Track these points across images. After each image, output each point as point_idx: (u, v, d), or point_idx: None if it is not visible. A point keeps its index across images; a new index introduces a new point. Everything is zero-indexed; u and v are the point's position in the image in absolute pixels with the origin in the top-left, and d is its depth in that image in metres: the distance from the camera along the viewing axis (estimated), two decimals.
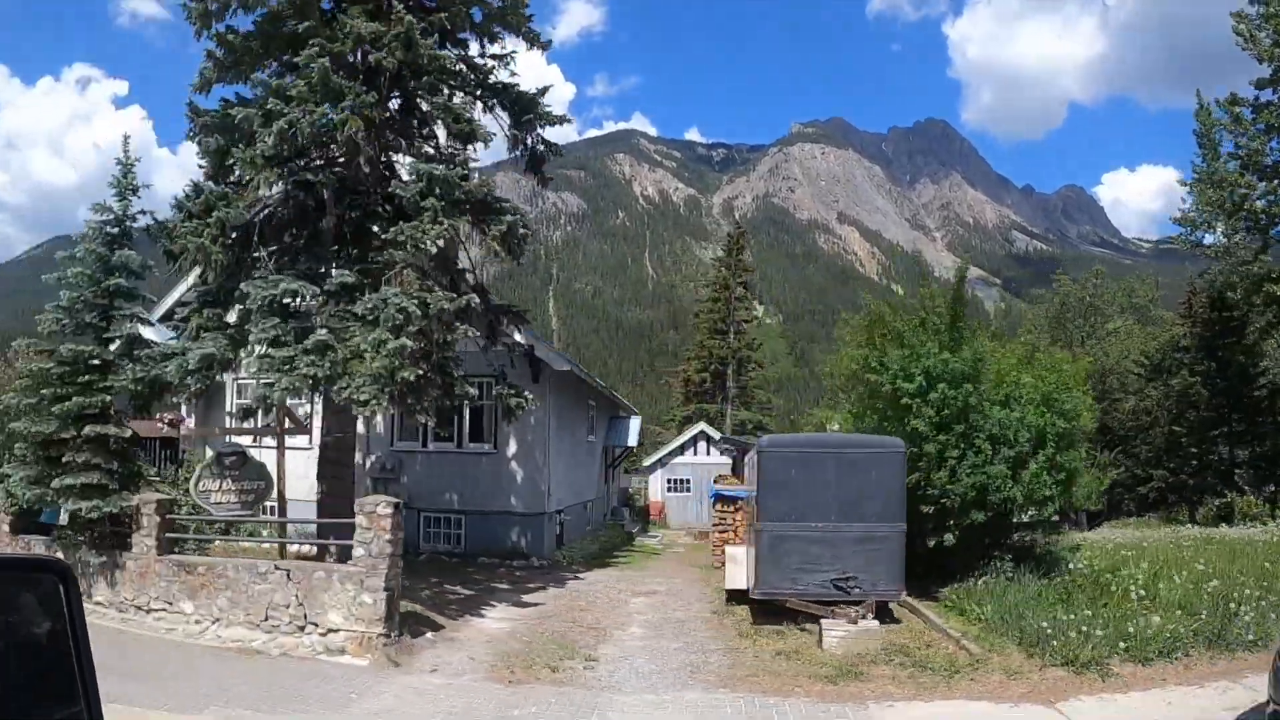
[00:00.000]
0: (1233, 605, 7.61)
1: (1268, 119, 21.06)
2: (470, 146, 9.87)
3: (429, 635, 7.83)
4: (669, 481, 28.51)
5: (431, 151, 10.56)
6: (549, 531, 14.38)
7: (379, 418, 12.83)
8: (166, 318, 13.98)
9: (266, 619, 7.85)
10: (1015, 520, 9.49)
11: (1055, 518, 10.67)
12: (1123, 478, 22.41)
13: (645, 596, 10.66)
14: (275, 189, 9.02)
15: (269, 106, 8.66)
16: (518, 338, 12.14)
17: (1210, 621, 7.38)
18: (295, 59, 10.54)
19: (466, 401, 9.90)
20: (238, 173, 9.89)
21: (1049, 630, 6.99)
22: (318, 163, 9.47)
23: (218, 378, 10.09)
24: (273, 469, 9.50)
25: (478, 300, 9.12)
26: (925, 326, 10.54)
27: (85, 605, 8.78)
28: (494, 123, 10.94)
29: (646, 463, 28.92)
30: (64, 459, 9.36)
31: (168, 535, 9.05)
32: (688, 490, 28.22)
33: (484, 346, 10.45)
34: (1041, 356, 10.79)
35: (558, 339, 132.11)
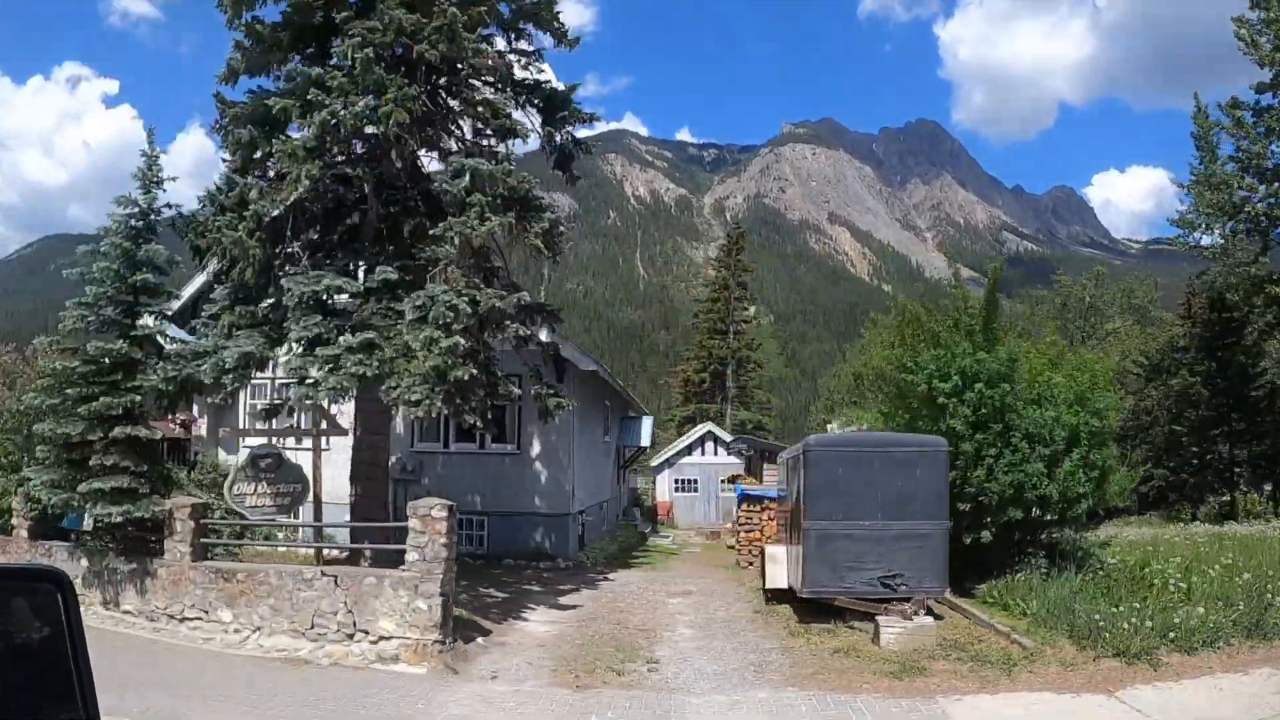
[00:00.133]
0: (1267, 596, 7.83)
1: (1268, 123, 21.48)
2: (506, 143, 9.82)
3: (479, 640, 7.77)
4: (676, 481, 28.57)
5: (459, 147, 10.52)
6: (573, 533, 14.38)
7: (398, 418, 12.78)
8: (178, 316, 13.79)
9: (312, 627, 7.68)
10: (1049, 518, 9.62)
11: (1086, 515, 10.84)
12: None
13: (681, 597, 10.69)
14: (304, 183, 8.81)
15: (309, 97, 8.51)
16: (543, 336, 12.14)
17: (1247, 612, 7.64)
18: (329, 50, 10.50)
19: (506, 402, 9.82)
20: (272, 165, 9.76)
21: (1101, 623, 7.15)
22: (358, 156, 9.33)
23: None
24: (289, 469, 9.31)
25: (528, 297, 9.07)
26: (958, 327, 10.69)
27: (113, 614, 8.56)
28: (523, 119, 10.92)
29: (654, 463, 28.95)
30: (91, 462, 9.11)
31: (202, 541, 8.83)
32: (695, 490, 28.30)
33: (516, 345, 10.43)
34: (1071, 356, 10.98)
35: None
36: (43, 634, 1.56)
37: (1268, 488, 22.66)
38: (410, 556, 7.39)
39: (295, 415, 12.15)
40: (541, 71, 11.33)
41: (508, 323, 8.71)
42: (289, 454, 9.77)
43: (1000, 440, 9.66)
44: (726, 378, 46.45)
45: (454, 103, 9.86)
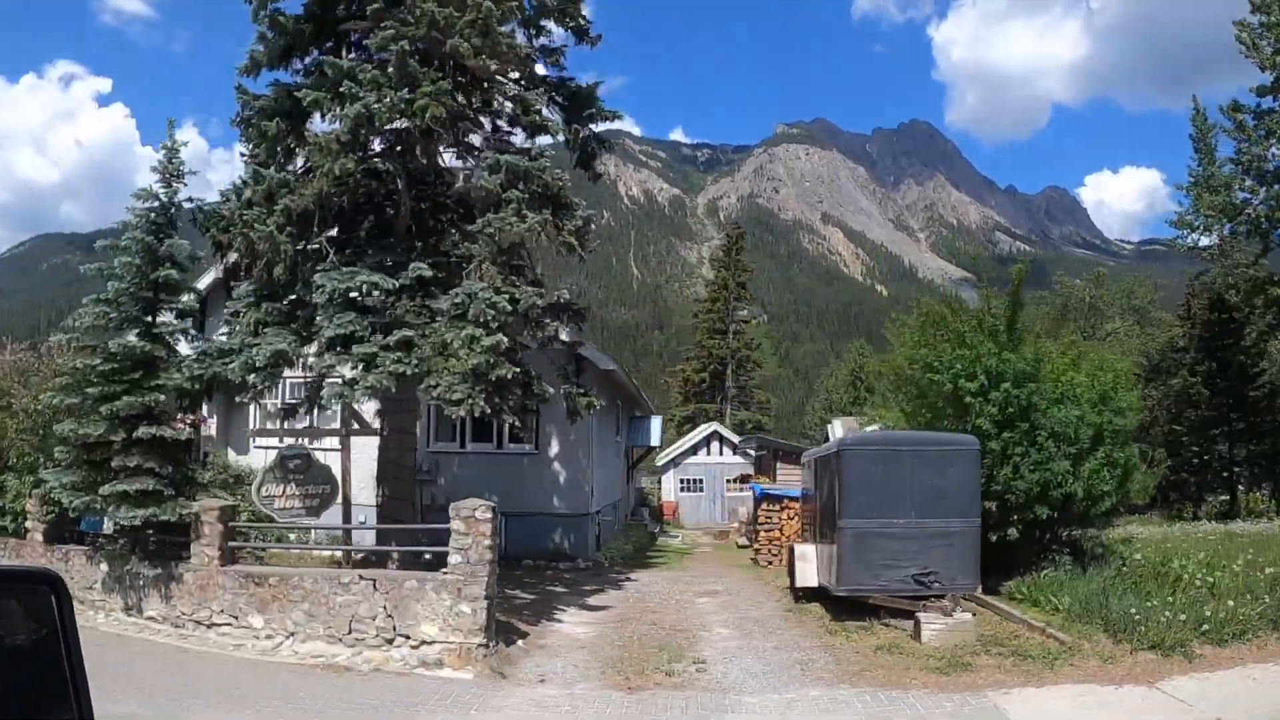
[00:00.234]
0: None
1: (1269, 125, 21.84)
2: (534, 139, 9.80)
3: (520, 643, 7.72)
4: (681, 481, 28.64)
5: (480, 143, 10.49)
6: (591, 533, 14.41)
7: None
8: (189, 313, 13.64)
9: (350, 632, 7.53)
10: (1079, 512, 9.77)
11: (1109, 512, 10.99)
12: None
13: (708, 597, 10.74)
14: (337, 176, 8.66)
15: (341, 89, 8.42)
16: (563, 336, 12.14)
17: (1272, 605, 7.85)
18: (352, 42, 10.42)
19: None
20: (296, 158, 9.65)
21: (1138, 616, 7.29)
22: (388, 150, 9.26)
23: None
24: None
25: (567, 296, 9.05)
26: (982, 327, 10.80)
27: (136, 620, 8.43)
28: (552, 115, 10.90)
29: (659, 462, 28.99)
30: (113, 463, 8.91)
31: (230, 544, 8.65)
32: (700, 490, 28.38)
33: (541, 344, 10.43)
34: (1094, 356, 11.13)
35: None
36: (37, 636, 1.55)
37: (1267, 487, 23.02)
38: (453, 559, 7.31)
39: (314, 414, 12.08)
40: (564, 68, 11.35)
41: (547, 321, 8.69)
42: (317, 454, 9.69)
43: (1026, 439, 9.78)
44: (726, 377, 46.61)
45: (485, 98, 9.79)
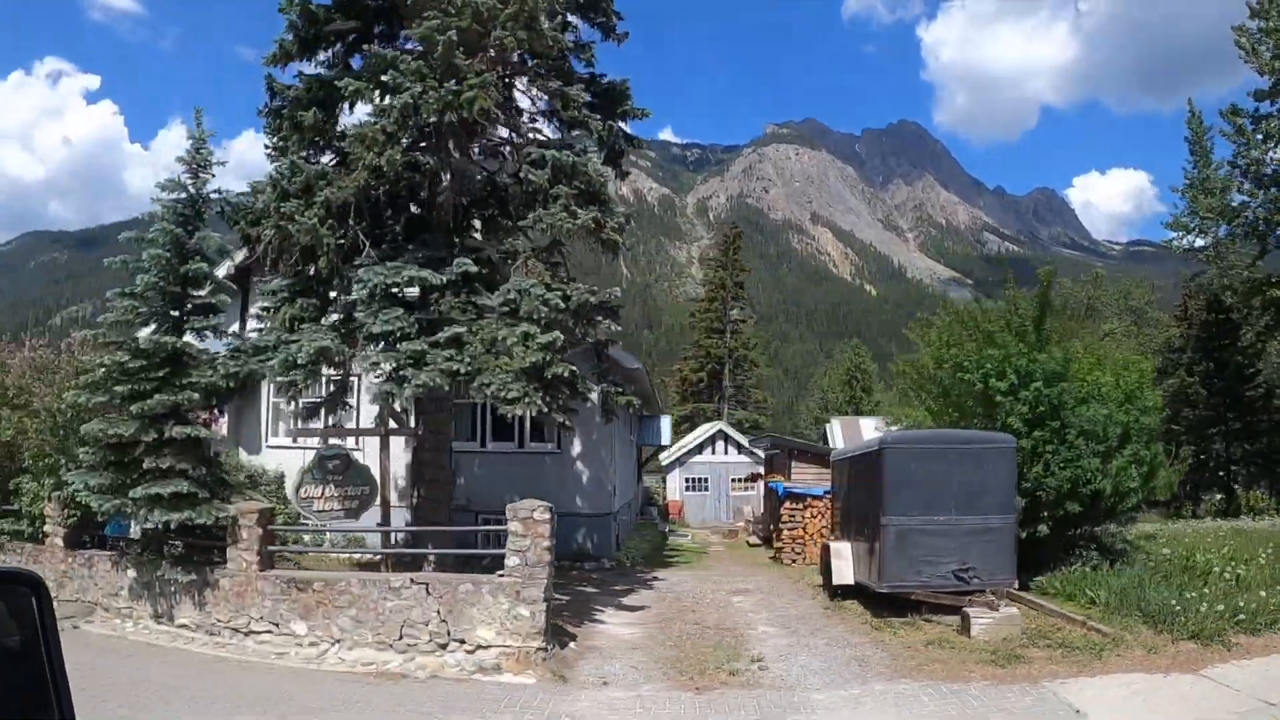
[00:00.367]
0: None
1: (1267, 129, 22.40)
2: (571, 134, 9.79)
3: (571, 645, 7.71)
4: (687, 480, 28.76)
5: (506, 137, 10.44)
6: (613, 533, 14.46)
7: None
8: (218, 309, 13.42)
9: (401, 637, 7.38)
10: (1108, 508, 10.02)
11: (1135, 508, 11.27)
12: None
13: (742, 595, 10.86)
14: (384, 168, 8.50)
15: (385, 79, 8.34)
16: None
17: None
18: (381, 33, 10.34)
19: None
20: (328, 151, 9.52)
21: (1178, 608, 7.53)
22: (428, 143, 9.18)
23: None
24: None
25: (618, 293, 9.08)
26: (1009, 327, 11.03)
27: (167, 629, 8.27)
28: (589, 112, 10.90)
29: (664, 461, 29.10)
30: (144, 465, 8.67)
31: (270, 549, 8.44)
32: (705, 489, 28.53)
33: (574, 342, 10.44)
34: (1118, 356, 11.40)
35: None
36: (18, 638, 1.54)
37: (1265, 485, 23.63)
38: (510, 561, 7.22)
39: (336, 413, 12.00)
40: (594, 64, 11.37)
41: (600, 319, 8.72)
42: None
43: (1057, 437, 10.01)
44: (724, 377, 46.85)
45: (527, 92, 9.76)
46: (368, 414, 12.55)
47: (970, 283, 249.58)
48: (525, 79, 9.91)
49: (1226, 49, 23.33)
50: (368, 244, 9.06)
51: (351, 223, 9.00)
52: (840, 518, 10.97)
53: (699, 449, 29.13)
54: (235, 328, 12.95)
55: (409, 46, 10.05)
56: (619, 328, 9.62)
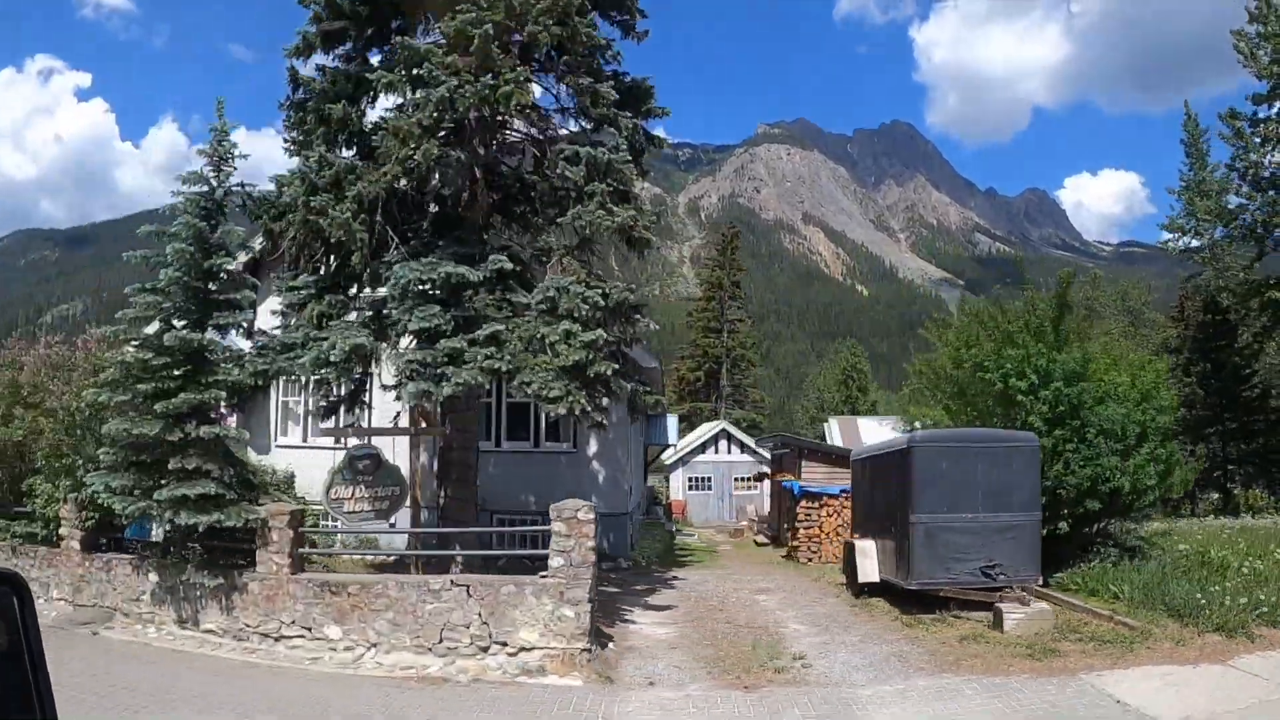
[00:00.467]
0: None
1: (1266, 133, 22.89)
2: (600, 131, 9.79)
3: (611, 646, 7.68)
4: (690, 480, 28.90)
5: (523, 134, 10.44)
6: (629, 532, 14.53)
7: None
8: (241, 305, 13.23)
9: (441, 641, 7.32)
10: (1126, 504, 10.25)
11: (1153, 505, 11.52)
12: None
13: (766, 594, 10.98)
14: (419, 161, 8.37)
15: (418, 72, 8.29)
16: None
17: None
18: (409, 26, 10.29)
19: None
20: (357, 145, 9.43)
21: (1203, 601, 7.75)
22: (460, 137, 9.14)
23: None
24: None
25: (657, 292, 9.12)
26: (1028, 328, 11.24)
27: (193, 634, 8.15)
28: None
29: (667, 461, 29.22)
30: (169, 465, 8.50)
31: (300, 551, 8.29)
32: (708, 489, 28.69)
33: (613, 340, 10.33)
34: (1134, 357, 11.65)
35: None
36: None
37: (1262, 484, 24.11)
38: (555, 561, 7.20)
39: (350, 413, 11.97)
40: (620, 62, 11.40)
41: (638, 317, 8.77)
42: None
43: (1076, 436, 10.23)
44: (721, 376, 47.10)
45: (553, 88, 9.78)
46: (379, 414, 12.57)
47: (961, 283, 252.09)
48: (552, 75, 9.92)
49: (1219, 47, 23.86)
50: (396, 240, 9.05)
51: (379, 218, 8.97)
52: (862, 516, 11.12)
53: (701, 448, 29.29)
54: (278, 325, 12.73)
55: (429, 40, 10.04)
56: (656, 326, 9.66)
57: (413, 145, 8.02)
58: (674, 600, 10.43)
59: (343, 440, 12.53)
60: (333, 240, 8.33)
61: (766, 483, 24.78)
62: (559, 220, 8.41)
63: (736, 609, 9.83)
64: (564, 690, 6.47)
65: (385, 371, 9.60)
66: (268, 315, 11.17)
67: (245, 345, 10.14)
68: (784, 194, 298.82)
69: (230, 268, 9.22)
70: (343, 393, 11.30)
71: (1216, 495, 25.73)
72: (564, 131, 10.62)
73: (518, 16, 8.73)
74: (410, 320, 8.02)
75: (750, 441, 29.20)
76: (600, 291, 7.97)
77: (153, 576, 9.16)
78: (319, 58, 10.55)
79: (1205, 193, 26.69)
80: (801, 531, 13.87)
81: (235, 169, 9.23)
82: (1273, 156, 22.41)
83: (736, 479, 28.55)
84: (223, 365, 9.15)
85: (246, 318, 9.56)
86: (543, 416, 14.27)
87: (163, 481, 8.52)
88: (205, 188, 9.07)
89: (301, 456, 14.61)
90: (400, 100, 9.69)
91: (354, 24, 10.17)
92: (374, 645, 7.53)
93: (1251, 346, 25.07)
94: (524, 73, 8.44)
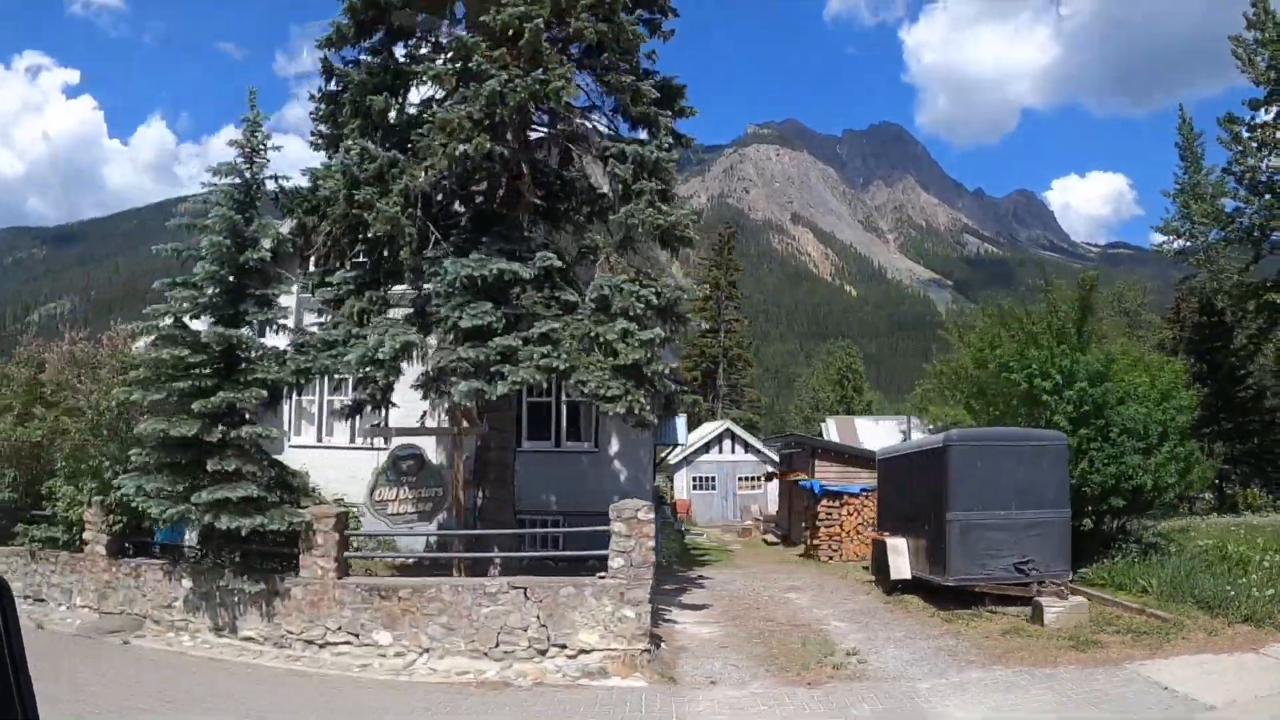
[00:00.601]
0: None
1: (1262, 138, 23.57)
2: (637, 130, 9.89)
3: (664, 646, 7.75)
4: (694, 479, 29.11)
5: (550, 131, 10.49)
6: None
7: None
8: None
9: (497, 645, 7.24)
10: (1149, 502, 10.61)
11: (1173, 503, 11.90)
12: None
13: (796, 592, 11.20)
14: (470, 154, 8.17)
15: (470, 65, 8.21)
16: None
17: None
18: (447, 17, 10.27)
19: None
20: (393, 138, 9.38)
21: (1232, 594, 8.09)
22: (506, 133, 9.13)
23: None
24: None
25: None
26: (1051, 329, 11.57)
27: (230, 642, 8.07)
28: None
29: (672, 460, 29.40)
30: (207, 466, 8.33)
31: (346, 555, 8.14)
32: (713, 488, 28.94)
33: (666, 339, 10.29)
34: (1154, 358, 12.03)
35: None
36: None
37: (1258, 483, 24.78)
38: (615, 562, 7.22)
39: (376, 411, 11.96)
40: (655, 60, 11.48)
41: (689, 315, 8.87)
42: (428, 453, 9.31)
43: (1100, 435, 10.56)
44: (718, 376, 47.34)
45: (599, 84, 9.76)
46: (400, 414, 12.57)
47: (950, 284, 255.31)
48: (587, 71, 9.99)
49: (1209, 49, 24.69)
50: (436, 236, 9.01)
51: (420, 213, 8.85)
52: (890, 514, 11.38)
53: (706, 448, 29.53)
54: (314, 321, 12.53)
55: (459, 33, 10.03)
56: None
57: (462, 138, 7.98)
58: (707, 599, 10.61)
59: (372, 441, 12.52)
60: (379, 234, 8.25)
61: (774, 482, 25.06)
62: (610, 218, 8.48)
63: (772, 607, 10.03)
64: (630, 692, 6.49)
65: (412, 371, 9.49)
66: (317, 313, 10.95)
67: (273, 341, 10.01)
68: (773, 194, 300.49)
69: (269, 261, 9.02)
70: (378, 391, 11.16)
71: (1209, 495, 26.38)
72: (588, 127, 10.71)
73: (563, 12, 8.79)
74: (461, 317, 8.01)
75: (754, 441, 29.49)
76: (653, 290, 8.06)
77: (186, 582, 8.95)
78: (348, 51, 10.52)
79: (1200, 196, 27.45)
80: (823, 530, 14.12)
81: (268, 161, 9.06)
82: (1270, 161, 23.06)
83: (740, 479, 28.83)
84: (261, 363, 9.00)
85: (281, 313, 9.48)
86: (563, 416, 14.38)
87: (202, 483, 8.33)
88: (237, 180, 8.89)
89: (315, 457, 14.55)
90: (435, 94, 9.67)
91: (388, 16, 10.12)
92: (426, 650, 7.42)
93: (1247, 348, 25.75)
94: (572, 68, 8.47)
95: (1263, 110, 23.30)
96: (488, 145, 8.10)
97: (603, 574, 7.37)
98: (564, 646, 7.16)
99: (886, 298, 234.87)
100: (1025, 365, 10.98)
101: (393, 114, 9.67)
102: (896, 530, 10.68)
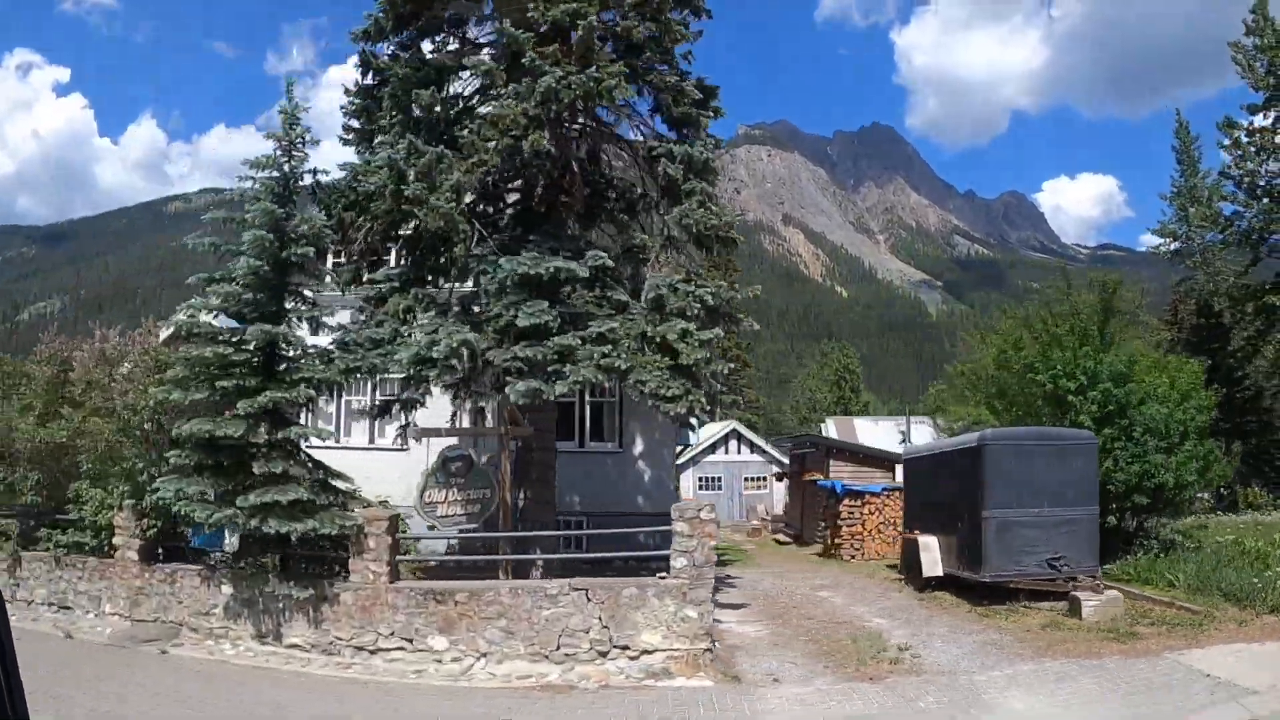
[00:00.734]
0: None
1: (1262, 142, 24.21)
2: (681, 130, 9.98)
3: (719, 646, 7.81)
4: (700, 479, 29.34)
5: (581, 128, 10.56)
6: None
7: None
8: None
9: (558, 647, 7.21)
10: (1171, 499, 10.98)
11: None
12: None
13: (828, 590, 11.44)
14: (526, 151, 8.18)
15: (525, 61, 8.18)
16: None
17: None
18: (529, 15, 10.30)
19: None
20: (434, 133, 9.36)
21: (1260, 586, 8.45)
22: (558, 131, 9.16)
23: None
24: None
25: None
26: (1073, 331, 11.94)
27: (274, 649, 8.26)
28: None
29: (679, 461, 29.59)
30: (254, 469, 8.19)
31: (398, 559, 8.00)
32: (719, 488, 29.17)
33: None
34: (1174, 360, 12.43)
35: None
36: None
37: (1257, 483, 25.42)
38: (677, 562, 7.26)
39: (407, 411, 12.01)
40: (691, 61, 11.57)
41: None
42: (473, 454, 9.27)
43: (1124, 434, 10.92)
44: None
45: (639, 83, 9.80)
46: (428, 414, 12.66)
47: (940, 285, 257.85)
48: (631, 72, 10.10)
49: (1201, 51, 25.44)
50: (483, 233, 9.02)
51: (465, 209, 8.84)
52: (919, 512, 11.66)
53: (712, 448, 29.76)
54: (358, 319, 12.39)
55: (506, 27, 10.01)
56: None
57: (516, 134, 7.97)
58: (743, 599, 10.82)
59: (407, 440, 12.52)
60: (432, 230, 8.23)
61: (782, 482, 25.35)
62: (656, 217, 8.62)
63: (808, 606, 10.26)
64: (698, 691, 6.51)
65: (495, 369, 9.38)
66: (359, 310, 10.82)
67: (311, 340, 9.92)
68: (764, 195, 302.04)
69: (312, 258, 8.84)
70: (422, 392, 10.97)
71: (1206, 495, 27.01)
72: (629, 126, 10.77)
73: (610, 10, 8.89)
74: (518, 316, 7.98)
75: (760, 441, 29.78)
76: (709, 290, 8.21)
77: (226, 588, 8.73)
78: (379, 46, 10.48)
79: (1197, 199, 28.14)
80: (845, 529, 14.40)
81: (307, 155, 8.93)
82: (1269, 165, 23.71)
83: (746, 479, 29.10)
84: (305, 361, 8.91)
85: (325, 310, 9.31)
86: (587, 416, 14.56)
87: (246, 485, 8.19)
88: (276, 173, 8.73)
89: (332, 458, 14.60)
90: (463, 90, 9.69)
91: (427, 10, 10.06)
92: (484, 655, 7.36)
93: (1245, 349, 26.41)
94: (621, 66, 8.57)
95: (1261, 115, 23.98)
96: (544, 142, 8.11)
97: (664, 574, 7.44)
98: (626, 648, 7.19)
99: (877, 298, 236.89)
100: (1050, 366, 11.33)
101: (448, 109, 9.59)
102: (926, 528, 10.97)
